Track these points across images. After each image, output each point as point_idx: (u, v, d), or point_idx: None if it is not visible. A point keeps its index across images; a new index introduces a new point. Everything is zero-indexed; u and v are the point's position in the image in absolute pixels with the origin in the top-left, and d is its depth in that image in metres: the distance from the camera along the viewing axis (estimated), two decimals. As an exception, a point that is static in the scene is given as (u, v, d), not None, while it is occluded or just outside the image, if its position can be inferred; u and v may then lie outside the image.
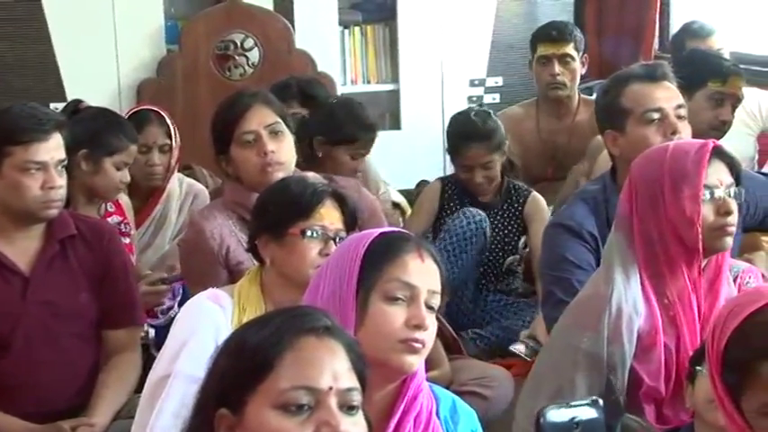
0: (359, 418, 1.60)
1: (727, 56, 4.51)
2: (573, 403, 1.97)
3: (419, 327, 1.97)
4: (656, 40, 5.83)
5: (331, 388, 1.56)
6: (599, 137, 3.44)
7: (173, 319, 2.90)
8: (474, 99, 5.81)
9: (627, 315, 2.52)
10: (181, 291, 3.64)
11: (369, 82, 5.92)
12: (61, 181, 3.03)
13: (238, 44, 5.51)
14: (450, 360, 3.40)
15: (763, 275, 2.91)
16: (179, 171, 4.25)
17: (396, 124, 5.84)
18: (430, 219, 4.21)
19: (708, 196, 2.54)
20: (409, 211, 4.58)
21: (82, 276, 3.11)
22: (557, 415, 1.94)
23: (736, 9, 5.65)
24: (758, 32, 5.56)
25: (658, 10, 5.75)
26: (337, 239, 2.64)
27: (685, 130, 3.15)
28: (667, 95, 3.17)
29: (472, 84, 5.90)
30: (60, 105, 4.63)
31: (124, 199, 3.92)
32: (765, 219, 3.47)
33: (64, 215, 3.11)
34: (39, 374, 3.04)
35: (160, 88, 5.44)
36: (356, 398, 1.59)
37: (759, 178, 3.52)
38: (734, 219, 2.57)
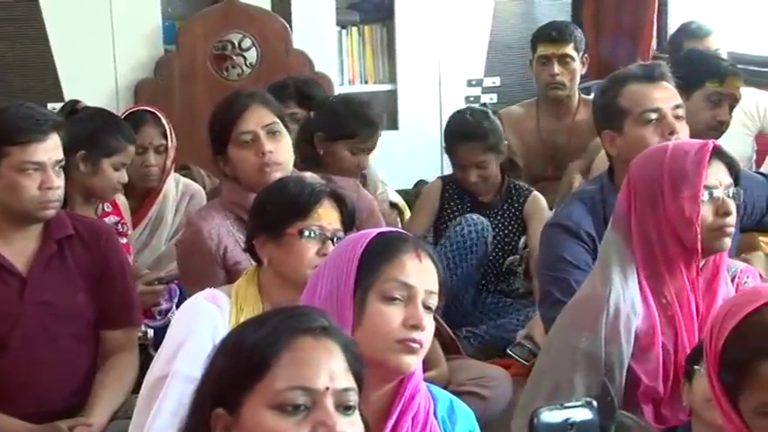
0: (355, 418, 1.60)
1: (724, 56, 4.52)
2: (567, 404, 1.97)
3: (416, 327, 1.97)
4: (654, 41, 5.83)
5: (327, 388, 1.56)
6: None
7: (170, 320, 2.90)
8: (471, 99, 5.81)
9: (625, 315, 2.52)
10: (178, 292, 3.64)
11: (366, 82, 5.92)
12: (59, 181, 3.03)
13: (236, 44, 5.51)
14: (448, 360, 3.39)
15: (760, 275, 2.91)
16: (176, 171, 4.26)
17: (393, 124, 5.84)
18: (431, 218, 4.21)
19: (707, 197, 2.53)
20: (407, 212, 4.58)
21: (79, 276, 3.10)
22: (551, 416, 1.94)
23: (734, 9, 5.66)
24: (756, 32, 5.56)
25: (656, 10, 5.75)
26: (335, 239, 2.64)
27: (683, 131, 3.15)
28: (665, 96, 3.17)
29: (470, 84, 5.90)
30: (58, 105, 4.64)
31: (121, 199, 3.92)
32: (763, 219, 3.47)
33: (61, 215, 3.11)
34: (36, 374, 3.04)
35: (157, 88, 5.44)
36: (353, 398, 1.59)
37: (757, 178, 3.52)
38: (733, 219, 2.57)
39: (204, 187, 4.31)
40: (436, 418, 2.05)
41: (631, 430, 2.40)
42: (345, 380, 1.59)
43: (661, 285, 2.55)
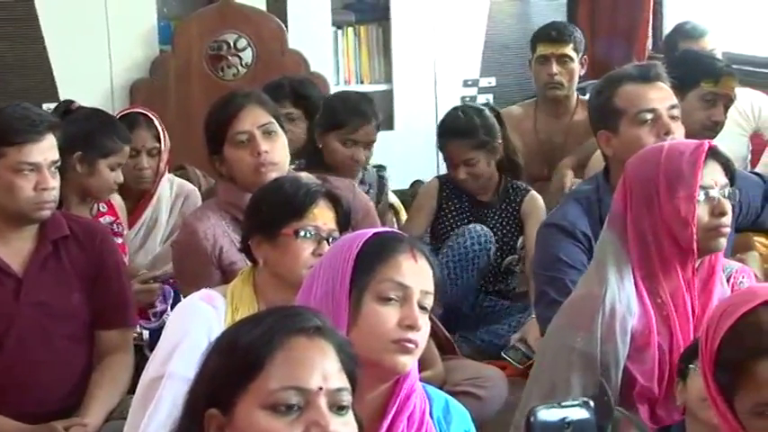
0: (349, 418, 1.60)
1: (719, 56, 4.52)
2: (564, 403, 1.97)
3: (412, 327, 1.97)
4: (650, 41, 5.83)
5: (321, 388, 1.56)
6: (597, 138, 3.44)
7: (165, 322, 2.90)
8: (467, 99, 5.81)
9: (620, 315, 2.52)
10: (172, 293, 3.64)
11: (362, 82, 5.91)
12: (54, 182, 3.03)
13: (231, 44, 5.51)
14: (444, 360, 3.39)
15: (755, 275, 2.92)
16: (172, 171, 4.25)
17: (389, 125, 5.83)
18: (429, 218, 4.21)
19: (703, 197, 2.53)
20: (403, 212, 4.59)
21: (75, 277, 3.10)
22: (547, 415, 1.94)
23: (729, 10, 5.66)
24: (750, 33, 5.57)
25: (651, 10, 5.76)
26: (330, 240, 2.64)
27: (678, 131, 3.15)
28: (661, 96, 3.17)
29: (465, 84, 5.90)
30: (53, 105, 4.62)
31: (117, 199, 3.92)
32: (758, 219, 3.48)
33: (57, 216, 3.11)
34: (32, 375, 3.04)
35: (153, 88, 5.44)
36: (346, 398, 1.59)
37: (752, 178, 3.52)
38: (728, 219, 2.57)
39: (200, 187, 4.31)
40: (432, 418, 2.05)
41: (621, 423, 2.40)
42: (339, 380, 1.59)
43: (657, 285, 2.55)
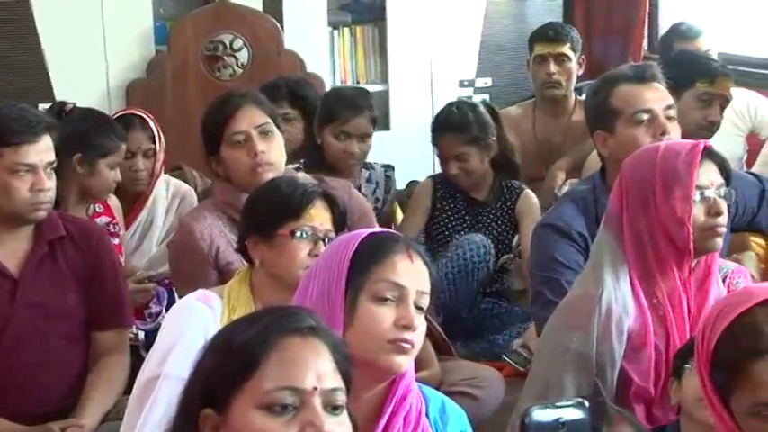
0: (344, 417, 1.60)
1: (715, 57, 4.53)
2: (558, 404, 1.97)
3: (408, 327, 1.97)
4: (645, 41, 5.83)
5: (315, 388, 1.56)
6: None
7: (161, 323, 2.89)
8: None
9: (616, 315, 2.52)
10: (166, 295, 3.64)
11: (358, 82, 5.90)
12: (50, 183, 3.03)
13: (227, 45, 5.50)
14: (440, 360, 3.39)
15: (751, 275, 2.92)
16: (169, 172, 4.25)
17: (385, 125, 5.83)
18: (424, 218, 4.20)
19: (698, 197, 2.54)
20: (399, 212, 4.58)
21: (71, 277, 3.10)
22: (542, 415, 1.94)
23: (725, 10, 5.67)
24: (746, 33, 5.57)
25: (647, 11, 5.76)
26: (327, 240, 2.64)
27: (675, 131, 3.16)
28: (657, 96, 3.18)
29: (461, 84, 5.89)
30: (48, 106, 4.62)
31: (113, 200, 3.92)
32: (754, 219, 3.48)
33: (53, 216, 3.11)
34: (28, 376, 3.04)
35: (149, 89, 5.43)
36: (341, 398, 1.59)
37: (748, 178, 3.53)
38: (724, 219, 2.57)
39: (196, 188, 4.30)
40: (428, 418, 2.05)
41: (614, 419, 2.41)
42: (333, 380, 1.59)
43: (653, 285, 2.55)
